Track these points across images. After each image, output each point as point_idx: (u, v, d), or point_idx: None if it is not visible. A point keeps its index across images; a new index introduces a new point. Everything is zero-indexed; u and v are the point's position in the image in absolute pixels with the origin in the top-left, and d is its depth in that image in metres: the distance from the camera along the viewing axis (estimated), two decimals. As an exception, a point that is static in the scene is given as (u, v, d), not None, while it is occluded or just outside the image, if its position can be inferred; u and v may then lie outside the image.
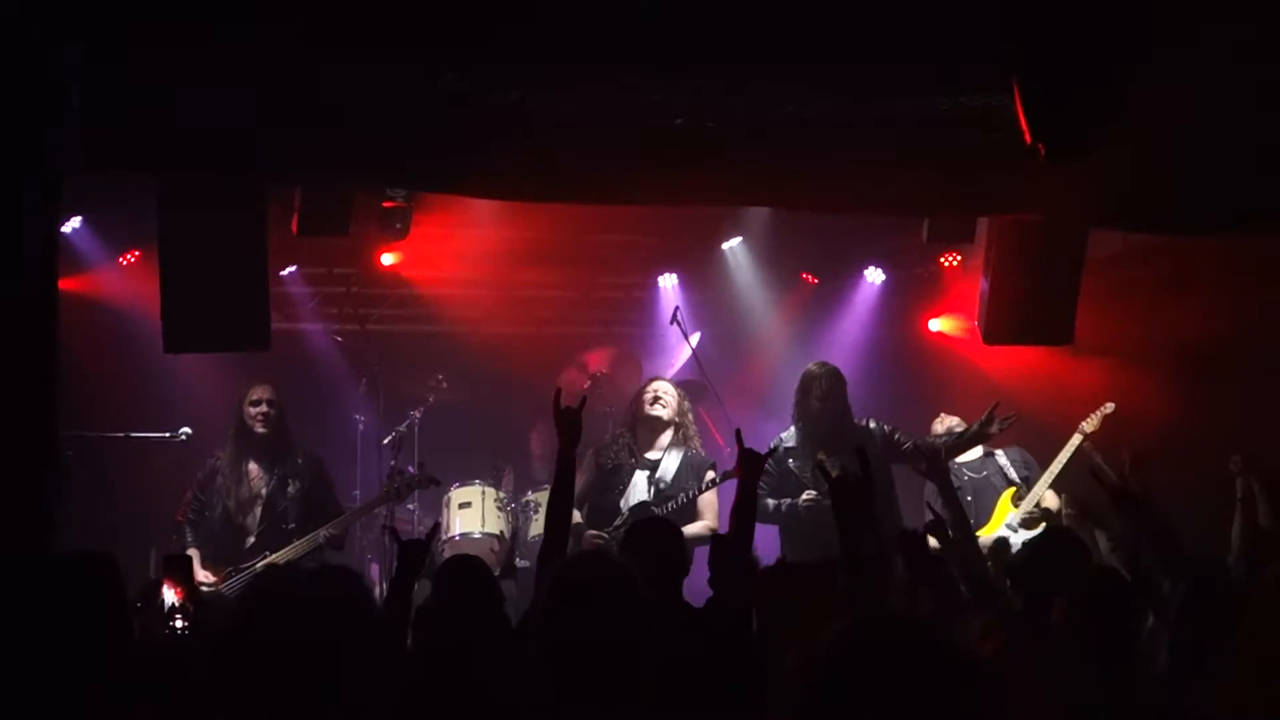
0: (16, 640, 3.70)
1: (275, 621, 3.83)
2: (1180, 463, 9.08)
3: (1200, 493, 8.64)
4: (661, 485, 8.16)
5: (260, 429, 8.11)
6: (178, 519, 8.13)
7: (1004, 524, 8.50)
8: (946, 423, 8.94)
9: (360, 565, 9.41)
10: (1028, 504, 8.48)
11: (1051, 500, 8.47)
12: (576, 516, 8.43)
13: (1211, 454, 8.94)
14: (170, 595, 4.92)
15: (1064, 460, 8.54)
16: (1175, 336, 9.42)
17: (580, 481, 8.08)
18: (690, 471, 8.22)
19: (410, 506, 9.80)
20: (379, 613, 4.66)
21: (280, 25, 5.46)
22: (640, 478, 8.19)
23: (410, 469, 8.68)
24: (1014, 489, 8.62)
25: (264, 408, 8.12)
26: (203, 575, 7.83)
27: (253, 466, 8.10)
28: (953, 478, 8.53)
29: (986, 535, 8.42)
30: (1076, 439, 8.57)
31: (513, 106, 6.04)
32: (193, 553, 7.94)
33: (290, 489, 8.05)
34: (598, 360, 10.47)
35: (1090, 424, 8.57)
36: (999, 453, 8.79)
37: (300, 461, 8.18)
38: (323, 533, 7.93)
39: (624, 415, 8.59)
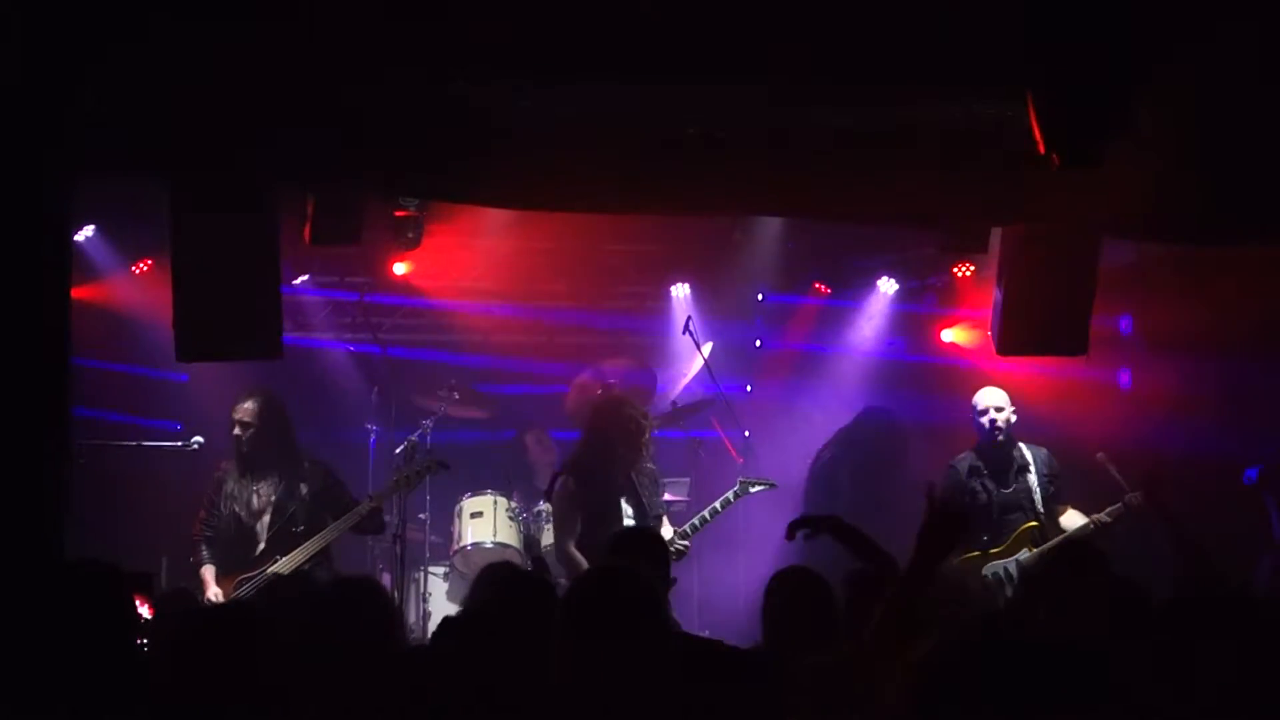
0: (19, 644, 3.71)
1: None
2: (1195, 474, 9.06)
3: (1220, 505, 8.61)
4: (643, 501, 7.96)
5: (245, 447, 8.09)
6: (194, 537, 8.11)
7: (1014, 557, 8.30)
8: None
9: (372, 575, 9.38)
10: (1034, 558, 8.06)
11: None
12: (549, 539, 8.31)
13: (1228, 463, 8.92)
14: (143, 611, 4.91)
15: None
16: (1188, 347, 9.38)
17: (564, 513, 7.82)
18: (653, 486, 8.13)
19: (422, 516, 9.78)
20: (399, 624, 4.68)
21: (291, 33, 5.47)
22: (624, 504, 7.92)
23: (419, 456, 8.68)
24: (1034, 525, 8.27)
25: (237, 430, 8.09)
26: (211, 592, 7.83)
27: (258, 474, 8.08)
28: (979, 491, 8.40)
29: (1001, 560, 8.31)
30: (1084, 522, 8.10)
31: (525, 115, 6.04)
32: (208, 569, 7.96)
33: (300, 492, 8.04)
34: (613, 368, 10.40)
35: (1105, 517, 8.01)
36: (1029, 456, 8.44)
37: (306, 465, 8.16)
38: (363, 507, 7.98)
39: (610, 433, 8.05)
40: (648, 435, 8.08)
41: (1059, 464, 8.51)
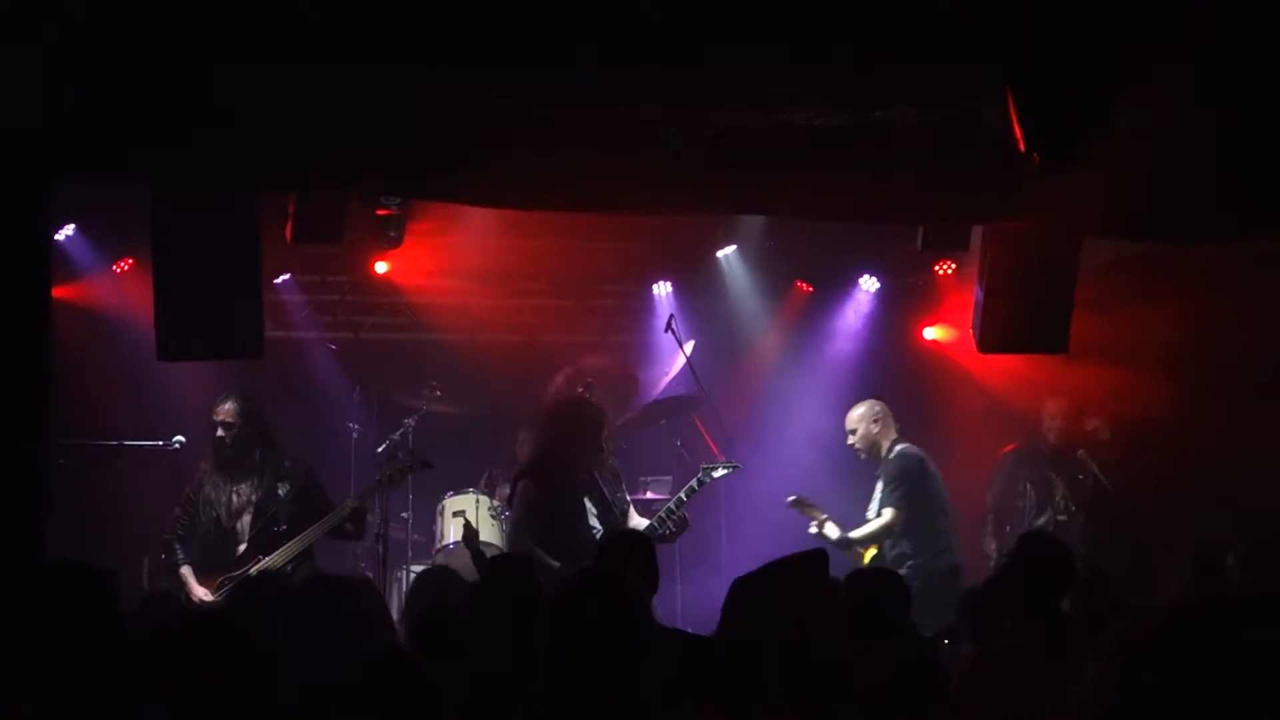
0: (6, 646, 3.70)
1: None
2: (1174, 472, 9.11)
3: (1193, 502, 8.65)
4: (607, 498, 7.96)
5: (226, 447, 8.07)
6: (165, 536, 8.08)
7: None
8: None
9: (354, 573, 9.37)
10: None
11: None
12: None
13: (1206, 463, 8.94)
14: None
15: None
16: (1169, 345, 9.42)
17: (524, 514, 7.77)
18: (615, 482, 8.14)
19: (404, 515, 9.78)
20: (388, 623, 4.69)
21: (274, 30, 5.46)
22: (588, 502, 7.90)
23: (400, 456, 8.67)
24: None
25: (219, 432, 8.06)
26: (199, 592, 7.81)
27: (237, 475, 8.05)
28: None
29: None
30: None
31: (506, 114, 6.04)
32: (187, 569, 7.94)
33: (281, 491, 8.02)
34: (593, 366, 10.35)
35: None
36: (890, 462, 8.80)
37: (288, 464, 8.15)
38: (345, 509, 7.96)
39: (569, 433, 7.97)
40: (607, 433, 8.08)
41: (908, 466, 8.76)
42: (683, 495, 8.33)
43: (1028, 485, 9.38)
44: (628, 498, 8.26)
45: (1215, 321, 9.16)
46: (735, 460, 8.85)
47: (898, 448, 8.87)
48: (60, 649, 3.73)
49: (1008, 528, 9.23)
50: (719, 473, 8.54)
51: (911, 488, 8.68)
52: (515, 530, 7.86)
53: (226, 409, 8.05)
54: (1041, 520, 9.10)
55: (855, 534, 8.68)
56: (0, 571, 5.31)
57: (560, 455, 7.88)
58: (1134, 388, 9.57)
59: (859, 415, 8.99)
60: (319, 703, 3.72)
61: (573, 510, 7.75)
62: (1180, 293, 9.23)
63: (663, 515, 8.20)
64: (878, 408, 8.98)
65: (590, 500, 7.85)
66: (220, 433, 8.04)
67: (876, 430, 8.91)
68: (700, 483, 8.39)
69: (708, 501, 9.09)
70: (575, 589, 3.66)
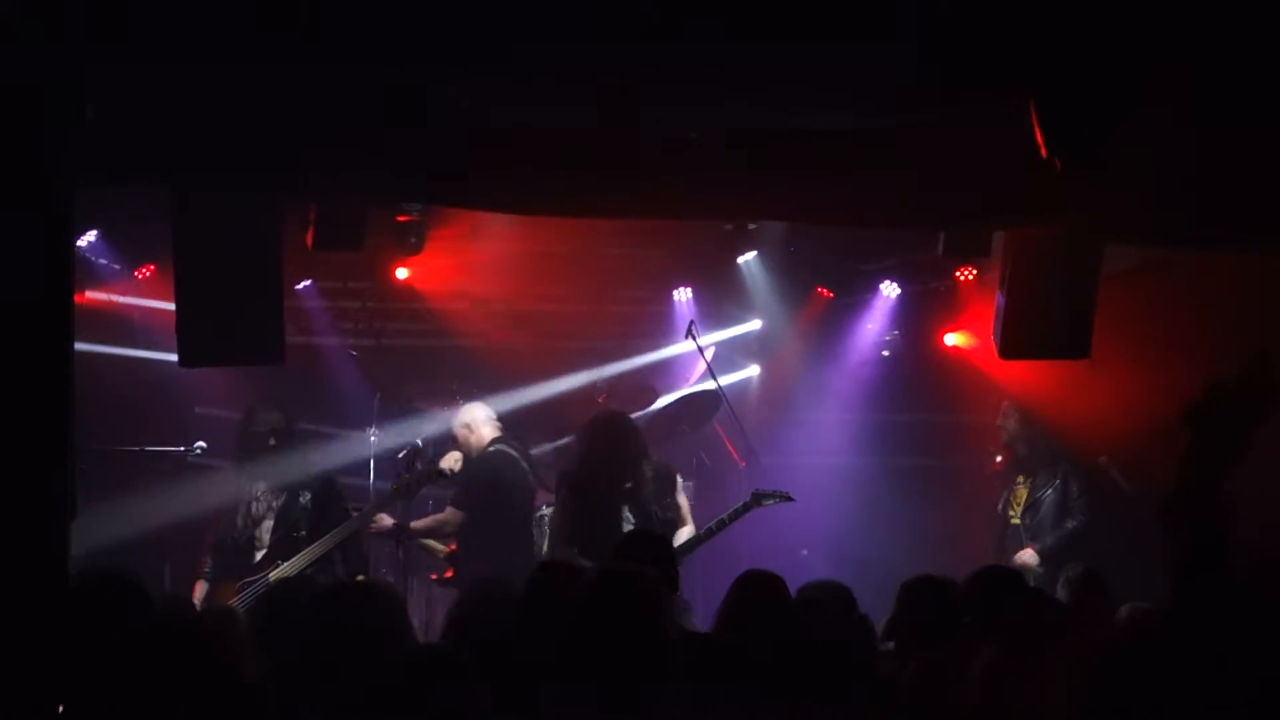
0: (26, 652, 3.70)
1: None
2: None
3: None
4: (646, 508, 7.97)
5: (270, 453, 8.11)
6: (206, 540, 8.13)
7: None
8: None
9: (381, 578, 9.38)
10: None
11: None
12: None
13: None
14: None
15: None
16: (1191, 351, 9.36)
17: (558, 521, 7.94)
18: (659, 482, 8.13)
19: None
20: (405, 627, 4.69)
21: (291, 39, 5.47)
22: (627, 511, 7.94)
23: (419, 464, 8.70)
24: None
25: (272, 440, 8.11)
26: (196, 595, 7.85)
27: (262, 482, 8.09)
28: None
29: None
30: None
31: (524, 119, 6.05)
32: (200, 584, 7.97)
33: (302, 499, 8.06)
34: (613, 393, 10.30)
35: None
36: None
37: (311, 472, 8.18)
38: (363, 516, 8.09)
39: (604, 447, 8.05)
40: (641, 449, 8.07)
41: (482, 469, 8.86)
42: (725, 517, 8.29)
43: (1001, 498, 9.35)
44: (675, 504, 8.20)
45: (1237, 327, 9.09)
46: (782, 488, 8.59)
47: (490, 449, 8.93)
48: (89, 655, 3.74)
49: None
50: (769, 502, 8.48)
51: (478, 490, 8.75)
52: (554, 537, 7.99)
53: (274, 417, 8.10)
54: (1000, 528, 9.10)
55: (415, 523, 8.81)
56: (24, 579, 5.33)
57: (598, 464, 7.93)
58: (1156, 393, 9.50)
59: (457, 420, 9.14)
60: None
61: (610, 518, 7.81)
62: (1203, 298, 9.17)
63: (701, 535, 8.17)
64: (472, 413, 9.08)
65: (630, 509, 7.90)
66: (273, 441, 8.06)
67: (468, 434, 9.02)
68: (747, 507, 8.34)
69: (727, 506, 9.02)
70: (599, 586, 3.65)
